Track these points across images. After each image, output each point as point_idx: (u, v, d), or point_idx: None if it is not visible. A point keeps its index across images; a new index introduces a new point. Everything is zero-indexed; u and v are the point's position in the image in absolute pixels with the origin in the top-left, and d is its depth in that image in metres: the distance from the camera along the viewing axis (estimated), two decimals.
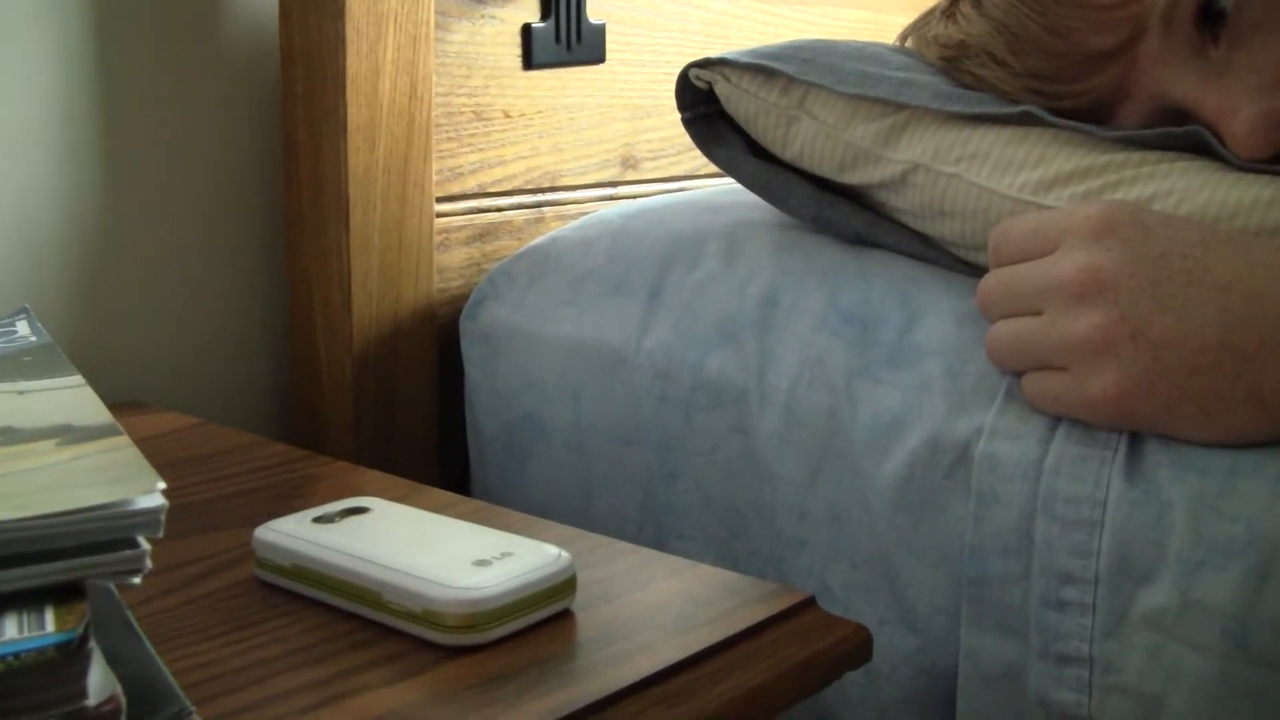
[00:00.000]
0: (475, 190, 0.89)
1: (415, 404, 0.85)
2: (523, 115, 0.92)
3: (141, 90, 0.81)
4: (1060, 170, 0.64)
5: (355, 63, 0.79)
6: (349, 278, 0.80)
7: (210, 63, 0.84)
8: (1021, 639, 0.58)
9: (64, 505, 0.37)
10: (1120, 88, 0.67)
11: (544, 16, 0.92)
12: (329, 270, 0.81)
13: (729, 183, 0.82)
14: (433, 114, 0.84)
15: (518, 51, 0.91)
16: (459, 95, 0.87)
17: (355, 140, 0.79)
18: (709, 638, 0.50)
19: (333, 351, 0.82)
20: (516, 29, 0.91)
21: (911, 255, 0.71)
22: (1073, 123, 0.66)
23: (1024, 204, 0.65)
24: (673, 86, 0.79)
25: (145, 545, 0.38)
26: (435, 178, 0.85)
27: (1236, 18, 0.63)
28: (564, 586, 0.51)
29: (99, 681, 0.36)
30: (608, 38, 0.96)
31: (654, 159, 1.01)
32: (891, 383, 0.64)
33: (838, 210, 0.74)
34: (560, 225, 0.91)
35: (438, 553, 0.52)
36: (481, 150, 0.89)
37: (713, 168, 0.83)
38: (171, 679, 0.42)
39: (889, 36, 0.84)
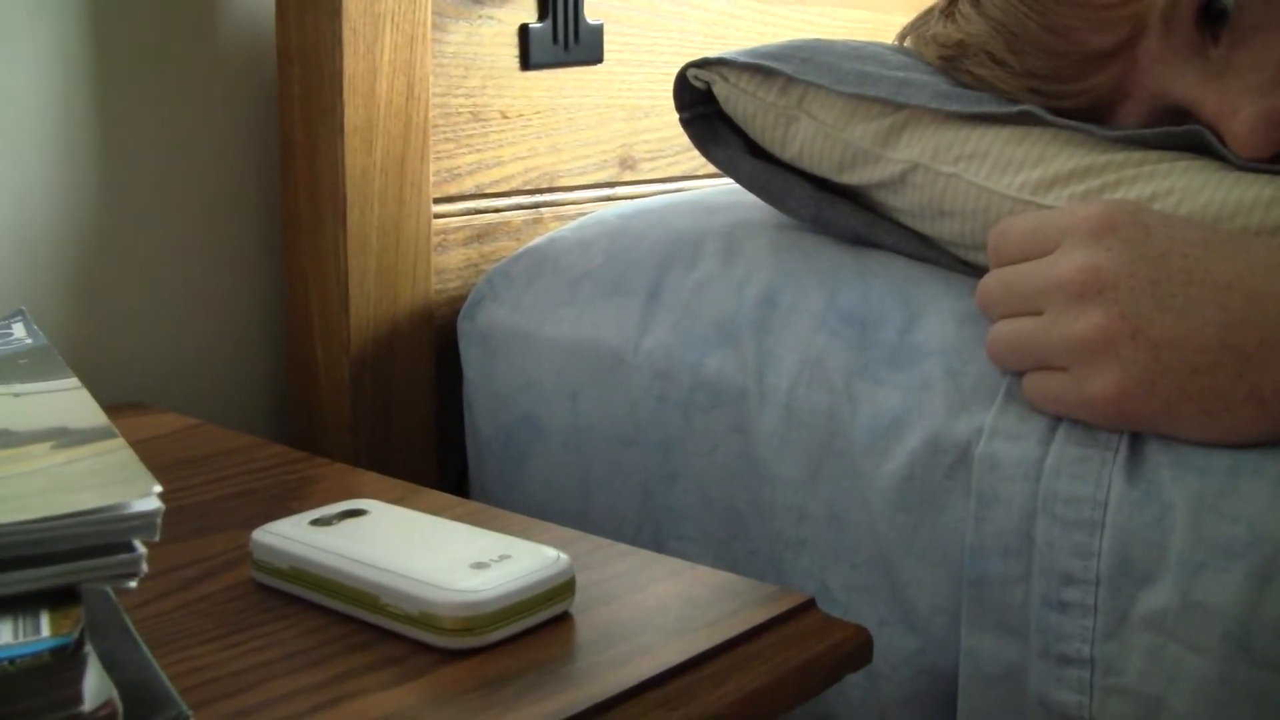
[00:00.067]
0: (473, 191, 0.89)
1: (413, 405, 0.85)
2: (520, 116, 0.91)
3: (138, 90, 0.81)
4: (1060, 170, 0.64)
5: (352, 63, 0.78)
6: (346, 278, 0.80)
7: (207, 63, 0.84)
8: (1022, 640, 0.58)
9: (59, 509, 0.37)
10: (1120, 87, 0.67)
11: (541, 17, 0.92)
12: (326, 271, 0.81)
13: (727, 183, 0.82)
14: (430, 114, 0.83)
15: (515, 52, 0.91)
16: (456, 96, 0.87)
17: (352, 141, 0.79)
18: (708, 640, 0.50)
19: (330, 352, 0.82)
20: (514, 29, 0.90)
21: (911, 255, 0.71)
22: (1072, 122, 0.66)
23: (1023, 203, 0.65)
24: (671, 87, 0.79)
25: (141, 549, 0.38)
26: (433, 178, 0.85)
27: (1238, 17, 0.63)
28: (563, 589, 0.51)
29: (95, 686, 0.35)
30: (605, 38, 0.96)
31: (652, 159, 1.01)
32: (891, 383, 0.64)
33: (837, 210, 0.74)
34: (558, 226, 0.91)
35: (436, 555, 0.51)
36: (479, 151, 0.89)
37: (711, 168, 0.83)
38: (168, 683, 0.42)
39: (888, 36, 0.84)
